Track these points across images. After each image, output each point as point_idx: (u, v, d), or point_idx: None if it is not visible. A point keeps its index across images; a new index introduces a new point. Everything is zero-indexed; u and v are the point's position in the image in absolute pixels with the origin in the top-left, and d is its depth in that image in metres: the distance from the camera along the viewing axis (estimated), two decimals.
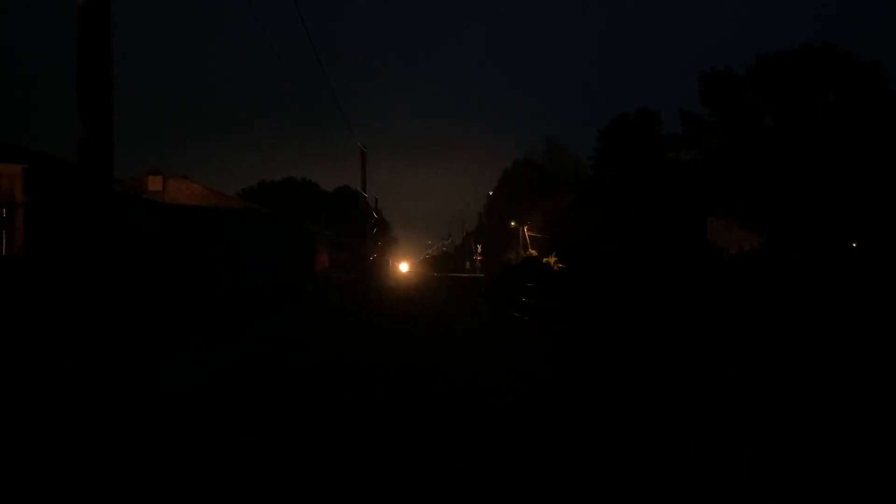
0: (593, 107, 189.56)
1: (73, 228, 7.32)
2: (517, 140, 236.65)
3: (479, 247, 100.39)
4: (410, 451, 5.47)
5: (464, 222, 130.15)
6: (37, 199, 10.59)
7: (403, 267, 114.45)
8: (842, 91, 37.51)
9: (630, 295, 28.45)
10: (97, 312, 6.82)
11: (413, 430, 6.08)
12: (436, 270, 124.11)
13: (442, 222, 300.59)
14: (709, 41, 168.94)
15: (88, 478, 4.80)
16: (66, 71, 7.13)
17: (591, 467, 5.05)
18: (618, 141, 57.16)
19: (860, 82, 37.38)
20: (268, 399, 7.45)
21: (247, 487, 4.66)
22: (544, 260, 65.40)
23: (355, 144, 37.56)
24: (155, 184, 30.86)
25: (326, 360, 10.61)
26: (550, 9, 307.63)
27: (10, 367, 8.31)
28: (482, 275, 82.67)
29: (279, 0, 15.64)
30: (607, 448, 5.57)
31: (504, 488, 4.66)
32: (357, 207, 46.50)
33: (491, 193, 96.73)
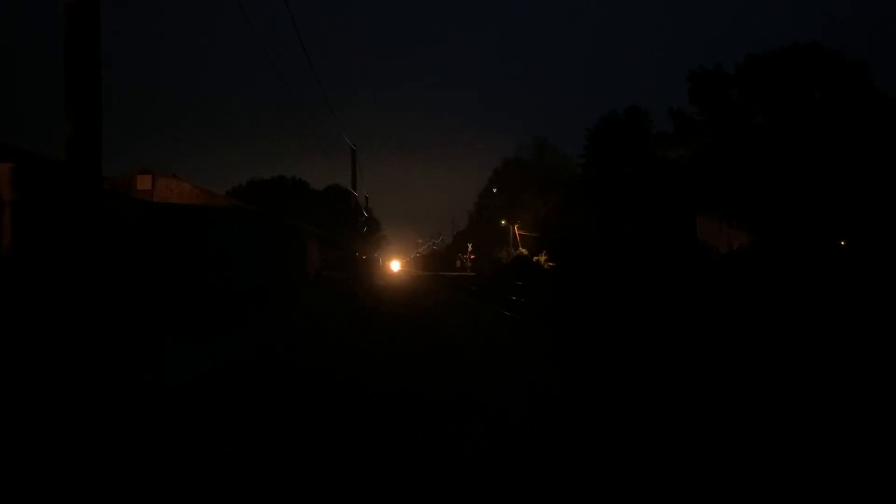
0: (584, 105, 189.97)
1: (61, 227, 7.29)
2: (508, 139, 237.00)
3: (469, 246, 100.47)
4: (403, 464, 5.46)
5: (454, 221, 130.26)
6: (25, 198, 10.52)
7: (395, 265, 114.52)
8: (829, 90, 37.75)
9: (620, 293, 28.54)
10: (83, 312, 6.78)
11: (407, 445, 6.07)
12: (426, 269, 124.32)
13: (432, 221, 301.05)
14: (701, 41, 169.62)
15: (61, 472, 4.78)
16: (55, 69, 7.09)
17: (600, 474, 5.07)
18: (607, 139, 57.29)
19: (848, 81, 37.64)
20: (244, 412, 7.43)
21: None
22: (535, 258, 65.54)
23: (346, 142, 37.50)
24: (144, 182, 30.65)
25: (313, 368, 10.57)
26: (545, 9, 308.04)
27: None
28: (472, 273, 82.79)
29: None
30: (614, 459, 5.59)
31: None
32: (348, 206, 46.39)
33: (481, 192, 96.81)
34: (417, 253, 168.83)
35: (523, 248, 73.12)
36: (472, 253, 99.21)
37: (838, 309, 18.18)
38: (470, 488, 4.56)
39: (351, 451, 5.39)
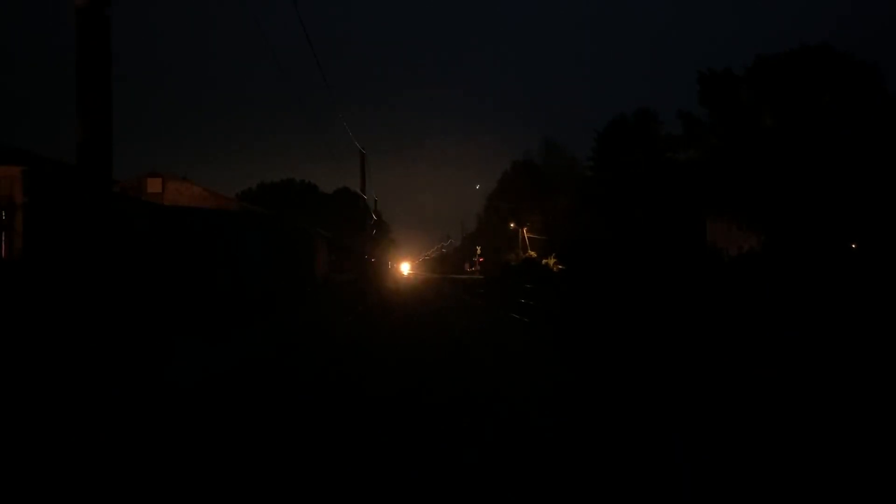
0: (592, 107, 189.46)
1: (72, 230, 7.34)
2: (516, 141, 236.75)
3: (478, 248, 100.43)
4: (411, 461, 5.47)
5: (463, 224, 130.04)
6: (36, 201, 10.60)
7: (405, 268, 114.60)
8: (839, 91, 37.54)
9: (630, 297, 28.44)
10: (93, 313, 6.82)
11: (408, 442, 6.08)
12: (435, 272, 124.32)
13: (441, 224, 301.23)
14: (710, 42, 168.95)
15: (80, 474, 4.81)
16: (66, 73, 7.15)
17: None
18: (616, 141, 57.15)
19: (858, 83, 37.41)
20: (254, 414, 7.45)
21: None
22: (544, 261, 65.42)
23: (355, 145, 37.59)
24: (154, 186, 30.81)
25: (322, 370, 10.59)
26: (551, 10, 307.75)
27: (9, 368, 8.31)
28: (481, 276, 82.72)
29: (280, 1, 15.68)
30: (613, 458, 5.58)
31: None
32: (357, 209, 46.50)
33: (490, 194, 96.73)
34: (426, 256, 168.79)
35: (532, 250, 72.99)
36: (479, 256, 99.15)
37: (849, 311, 18.06)
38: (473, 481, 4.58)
39: (363, 448, 5.41)
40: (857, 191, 34.54)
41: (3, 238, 10.37)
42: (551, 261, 63.91)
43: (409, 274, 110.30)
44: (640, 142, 54.33)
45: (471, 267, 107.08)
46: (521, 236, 77.10)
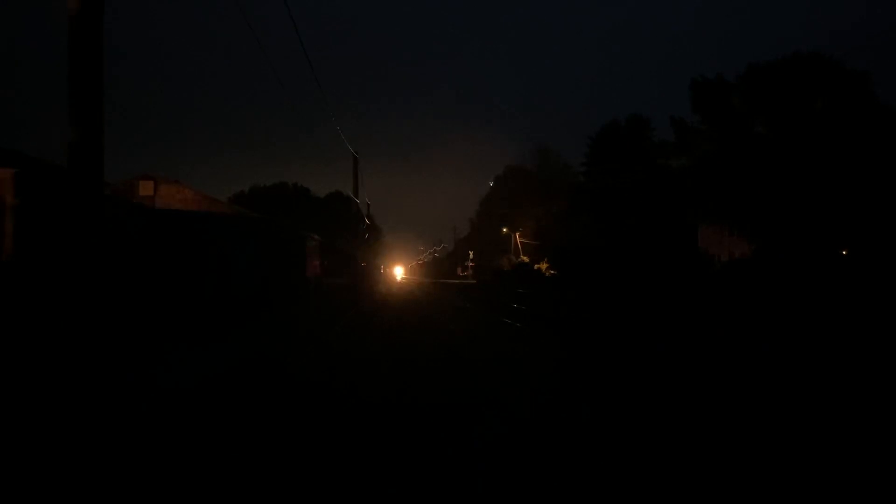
0: (586, 113, 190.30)
1: (63, 233, 7.32)
2: (510, 146, 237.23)
3: (471, 253, 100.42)
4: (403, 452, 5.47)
5: (456, 229, 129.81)
6: (27, 203, 10.55)
7: (398, 272, 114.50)
8: (831, 99, 37.72)
9: (621, 302, 28.51)
10: (83, 316, 6.79)
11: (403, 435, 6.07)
12: (428, 276, 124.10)
13: (434, 228, 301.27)
14: (705, 50, 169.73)
15: (63, 476, 4.78)
16: (58, 75, 7.13)
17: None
18: (608, 148, 57.30)
19: (850, 90, 37.61)
20: (240, 420, 7.43)
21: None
22: (536, 266, 65.48)
23: (348, 149, 37.54)
24: (146, 188, 30.70)
25: (310, 376, 10.58)
26: (546, 17, 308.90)
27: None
28: (474, 281, 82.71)
29: (272, 4, 15.67)
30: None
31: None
32: (349, 212, 46.42)
33: (483, 200, 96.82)
34: (419, 260, 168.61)
35: (525, 255, 73.06)
36: (472, 261, 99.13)
37: (837, 318, 18.16)
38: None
39: (357, 449, 5.42)
40: (847, 197, 34.74)
41: None
42: (544, 266, 63.98)
43: (401, 278, 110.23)
44: (632, 148, 54.47)
45: (463, 272, 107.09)
46: (513, 241, 77.16)
